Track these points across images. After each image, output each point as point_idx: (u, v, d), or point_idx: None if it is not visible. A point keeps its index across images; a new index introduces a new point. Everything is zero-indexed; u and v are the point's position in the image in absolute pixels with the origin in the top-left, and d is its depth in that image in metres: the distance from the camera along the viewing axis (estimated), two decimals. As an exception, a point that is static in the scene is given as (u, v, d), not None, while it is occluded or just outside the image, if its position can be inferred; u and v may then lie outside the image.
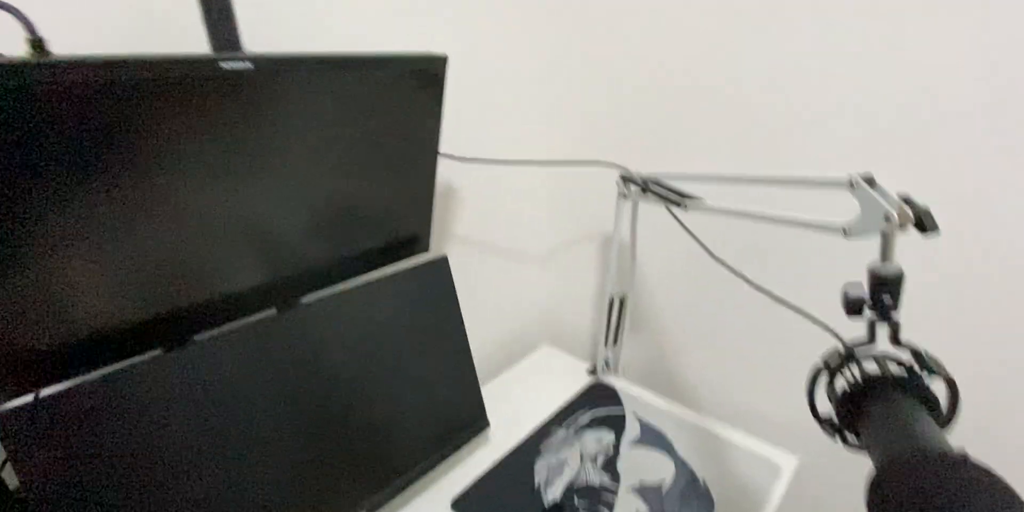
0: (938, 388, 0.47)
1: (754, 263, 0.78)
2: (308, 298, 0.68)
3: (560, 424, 1.00)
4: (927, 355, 0.48)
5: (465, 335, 0.86)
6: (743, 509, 0.81)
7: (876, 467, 0.39)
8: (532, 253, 1.23)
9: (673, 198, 0.72)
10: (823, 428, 0.53)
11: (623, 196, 0.85)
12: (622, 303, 1.01)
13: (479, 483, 0.87)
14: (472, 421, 0.89)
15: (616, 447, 0.95)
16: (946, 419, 0.47)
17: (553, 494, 0.85)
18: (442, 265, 0.80)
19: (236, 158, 0.52)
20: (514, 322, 1.26)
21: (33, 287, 0.45)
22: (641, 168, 0.83)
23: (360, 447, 0.73)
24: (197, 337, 0.60)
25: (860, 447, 0.50)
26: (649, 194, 0.77)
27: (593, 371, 1.13)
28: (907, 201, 0.47)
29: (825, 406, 0.54)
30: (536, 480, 0.88)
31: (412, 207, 0.75)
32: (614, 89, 0.97)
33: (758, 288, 0.67)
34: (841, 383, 0.51)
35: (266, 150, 0.54)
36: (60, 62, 0.38)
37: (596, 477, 0.88)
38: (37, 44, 0.40)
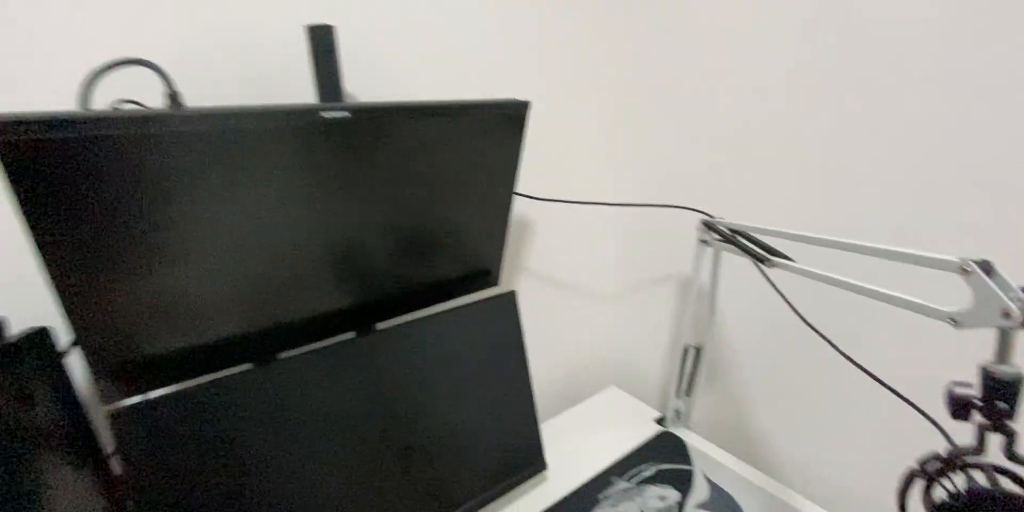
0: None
1: (845, 330, 0.71)
2: (383, 324, 0.72)
3: (621, 475, 0.95)
4: None
5: (528, 372, 0.85)
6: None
7: None
8: (604, 293, 1.22)
9: (758, 253, 0.69)
10: None
11: (704, 243, 0.82)
12: (698, 353, 0.96)
13: (532, 526, 0.85)
14: (529, 462, 0.88)
15: (680, 507, 0.88)
16: None
17: (607, 549, 0.81)
18: (510, 299, 0.82)
19: (334, 194, 0.58)
20: (581, 360, 1.24)
21: (155, 301, 0.53)
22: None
23: (417, 476, 0.74)
24: (282, 355, 0.65)
25: None
26: (731, 245, 0.74)
27: (661, 421, 1.07)
28: None
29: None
30: (591, 531, 0.84)
31: (486, 242, 0.77)
32: (695, 138, 0.95)
33: (856, 364, 0.61)
34: (941, 493, 0.45)
35: (359, 187, 0.59)
36: (193, 113, 0.45)
37: (655, 537, 0.83)
38: (173, 97, 0.47)
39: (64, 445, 0.57)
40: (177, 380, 0.59)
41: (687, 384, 1.00)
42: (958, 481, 0.44)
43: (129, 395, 0.56)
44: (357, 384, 0.68)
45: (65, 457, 0.57)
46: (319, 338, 0.68)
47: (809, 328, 0.74)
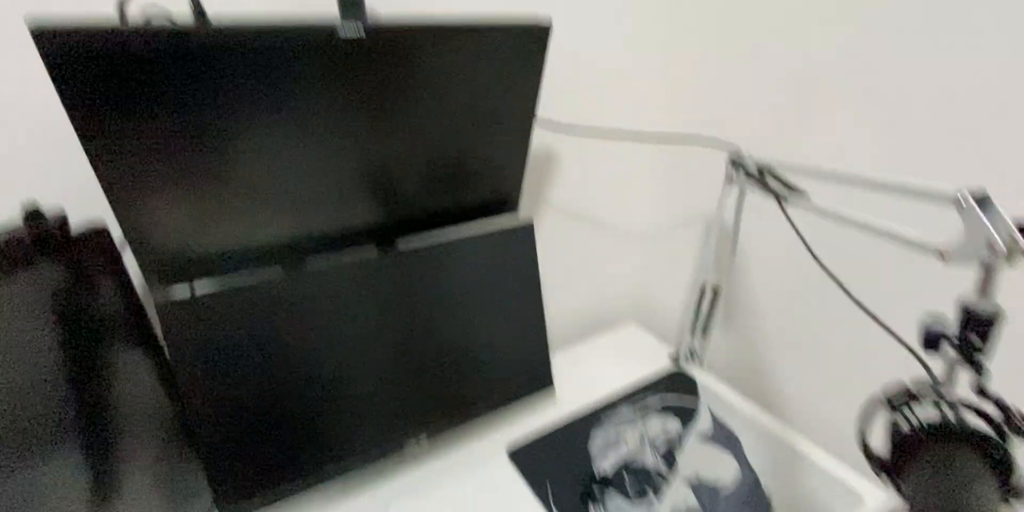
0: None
1: (861, 272, 0.69)
2: (404, 246, 0.77)
3: (628, 402, 1.00)
4: (1018, 412, 0.41)
5: (540, 298, 0.89)
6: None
7: None
8: (630, 228, 1.21)
9: (777, 189, 0.67)
10: (871, 466, 0.48)
11: (730, 180, 0.80)
12: (715, 293, 0.96)
13: (538, 440, 0.93)
14: (536, 378, 0.94)
15: (681, 437, 0.93)
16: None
17: (604, 465, 0.87)
18: (527, 231, 0.84)
19: (356, 112, 0.61)
20: (602, 295, 1.26)
21: (196, 207, 0.59)
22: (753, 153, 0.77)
23: (431, 380, 0.81)
24: (310, 266, 0.71)
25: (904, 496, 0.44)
26: (754, 181, 0.72)
27: (675, 359, 1.10)
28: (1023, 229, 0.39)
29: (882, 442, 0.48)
30: (591, 449, 0.91)
31: (506, 167, 0.79)
32: (740, 65, 0.90)
33: (852, 298, 0.60)
34: (904, 423, 0.45)
35: (379, 106, 0.62)
36: (214, 28, 0.48)
37: (652, 460, 0.88)
38: (198, 11, 0.50)
39: (125, 334, 0.67)
40: (214, 275, 0.66)
41: (703, 324, 1.01)
42: (923, 413, 0.44)
43: (175, 291, 0.64)
44: (378, 297, 0.74)
45: (126, 345, 0.67)
46: (342, 247, 0.74)
47: (825, 273, 0.72)
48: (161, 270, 0.63)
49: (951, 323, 0.42)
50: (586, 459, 0.88)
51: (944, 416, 0.43)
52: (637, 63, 1.02)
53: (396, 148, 0.67)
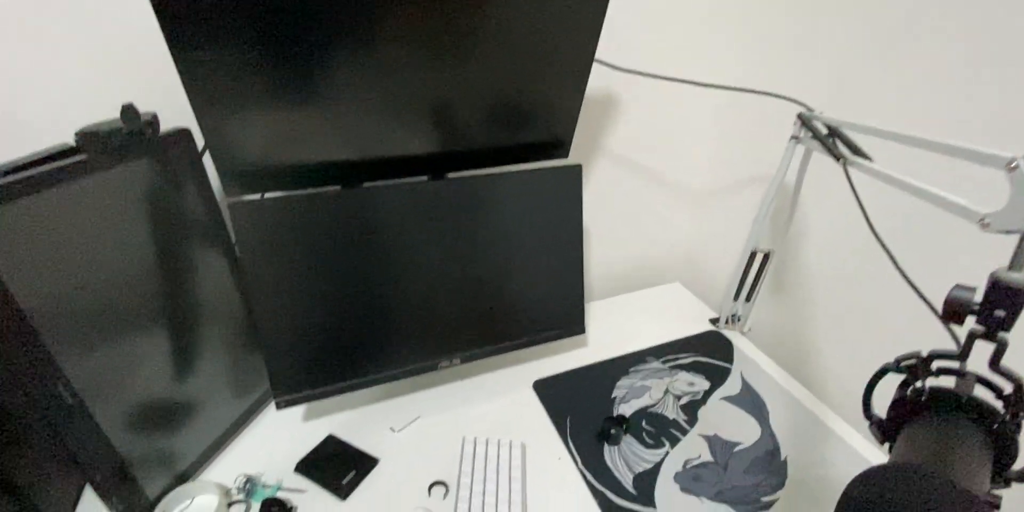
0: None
1: (919, 245, 0.65)
2: (454, 175, 0.81)
3: (658, 357, 1.02)
4: None
5: (581, 244, 0.91)
6: (817, 498, 0.76)
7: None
8: (686, 185, 1.18)
9: (836, 150, 0.63)
10: (871, 430, 0.47)
11: (795, 139, 0.76)
12: (765, 259, 0.94)
13: (563, 376, 0.97)
14: (569, 322, 0.97)
15: (707, 395, 0.94)
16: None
17: (624, 409, 0.90)
18: (575, 172, 0.85)
19: (425, 43, 0.62)
20: (650, 251, 1.26)
21: (271, 122, 0.64)
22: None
23: (470, 306, 0.87)
24: (367, 184, 0.77)
25: None
26: (820, 141, 0.68)
27: (715, 322, 1.09)
28: None
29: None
30: (614, 393, 0.94)
31: (560, 109, 0.79)
32: (820, 29, 0.83)
33: (896, 266, 0.57)
34: (911, 387, 0.44)
35: (443, 37, 0.63)
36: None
37: (672, 412, 0.91)
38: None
39: (204, 232, 0.75)
40: (281, 188, 0.73)
41: (749, 289, 1.00)
42: (932, 382, 0.43)
43: (249, 192, 0.71)
44: (427, 220, 0.79)
45: (205, 242, 0.76)
46: (398, 176, 0.79)
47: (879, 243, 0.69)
48: (236, 179, 0.70)
49: (978, 296, 0.40)
50: (608, 403, 0.92)
51: (958, 386, 0.42)
52: (713, 13, 0.96)
53: (455, 81, 0.69)
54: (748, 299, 1.01)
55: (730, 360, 1.01)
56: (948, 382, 0.43)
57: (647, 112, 1.02)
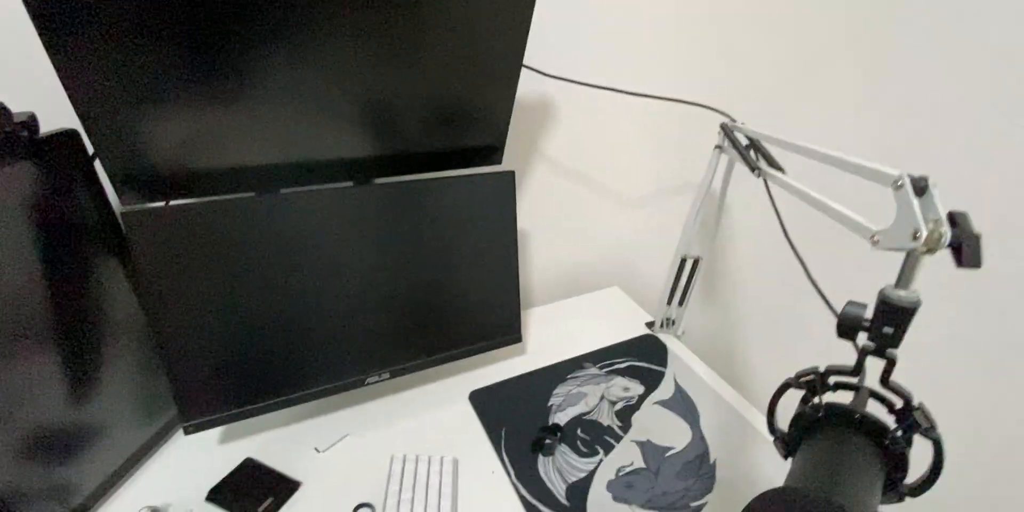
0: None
1: (832, 252, 0.68)
2: (382, 180, 0.77)
3: (595, 363, 1.02)
4: (921, 408, 0.40)
5: (516, 252, 0.89)
6: (744, 500, 0.77)
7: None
8: (621, 192, 1.19)
9: (752, 161, 0.64)
10: (775, 444, 0.48)
11: (719, 148, 0.77)
12: (695, 264, 0.95)
13: (499, 385, 0.95)
14: (505, 331, 0.95)
15: (641, 400, 0.95)
16: (916, 488, 0.40)
17: (560, 418, 0.90)
18: (508, 178, 0.83)
19: (346, 39, 0.59)
20: (588, 257, 1.26)
21: (169, 123, 0.59)
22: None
23: (399, 318, 0.83)
24: (284, 191, 0.72)
25: None
26: (739, 152, 0.69)
27: (651, 325, 1.11)
28: (955, 220, 0.37)
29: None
30: (551, 401, 0.93)
31: (492, 115, 0.77)
32: (751, 50, 0.85)
33: (808, 274, 0.59)
34: (808, 403, 0.45)
35: (369, 36, 0.60)
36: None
37: (607, 419, 0.91)
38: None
39: (98, 239, 0.69)
40: (188, 196, 0.67)
41: (681, 294, 1.01)
42: (830, 397, 0.44)
43: (152, 200, 0.65)
44: (351, 228, 0.75)
45: (102, 255, 0.70)
46: (319, 182, 0.74)
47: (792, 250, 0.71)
48: (133, 187, 0.64)
49: (869, 312, 0.41)
50: (544, 412, 0.91)
51: (853, 402, 0.42)
52: (650, 25, 0.96)
53: (383, 80, 0.65)
54: (681, 304, 1.03)
55: (664, 364, 1.02)
56: (847, 397, 0.43)
57: (582, 120, 1.02)
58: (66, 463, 0.67)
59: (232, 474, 0.76)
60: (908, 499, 0.40)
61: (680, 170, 1.08)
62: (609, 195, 1.18)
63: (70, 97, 0.52)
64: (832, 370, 0.44)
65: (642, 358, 1.03)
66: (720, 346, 1.08)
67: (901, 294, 0.39)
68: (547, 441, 0.83)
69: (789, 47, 0.81)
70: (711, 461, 0.84)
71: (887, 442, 0.39)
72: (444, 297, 0.86)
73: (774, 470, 0.81)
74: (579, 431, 0.88)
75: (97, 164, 0.66)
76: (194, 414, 0.72)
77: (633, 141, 1.11)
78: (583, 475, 0.80)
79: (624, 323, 1.12)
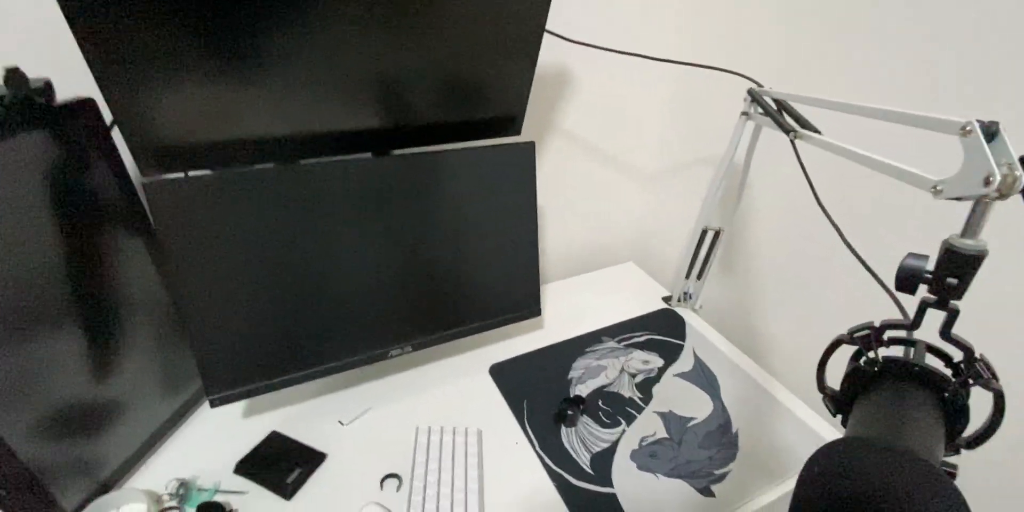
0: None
1: (867, 220, 0.67)
2: (400, 151, 0.76)
3: (613, 337, 1.02)
4: (982, 359, 0.39)
5: (535, 225, 0.88)
6: (767, 468, 0.78)
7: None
8: (641, 165, 1.18)
9: (785, 124, 0.63)
10: (824, 401, 0.48)
11: (745, 115, 0.76)
12: (716, 236, 0.94)
13: (519, 359, 0.95)
14: (525, 305, 0.94)
15: (661, 372, 0.95)
16: (975, 439, 0.39)
17: (581, 390, 0.90)
18: (527, 149, 0.82)
19: (365, 9, 0.57)
20: (607, 231, 1.25)
21: (191, 94, 0.57)
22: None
23: (421, 292, 0.83)
24: (304, 161, 0.71)
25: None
26: (770, 116, 0.68)
27: (668, 300, 1.10)
28: None
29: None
30: (571, 374, 0.93)
31: (512, 85, 0.75)
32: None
33: (843, 238, 0.58)
34: (863, 358, 0.45)
35: (389, 6, 0.58)
36: None
37: (628, 391, 0.91)
38: None
39: (118, 212, 0.68)
40: (207, 167, 0.66)
41: (700, 267, 1.00)
42: (884, 352, 0.44)
43: (172, 171, 0.64)
44: (371, 200, 0.74)
45: (121, 227, 0.69)
46: (338, 153, 0.73)
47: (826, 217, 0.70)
48: (152, 157, 0.63)
49: (930, 264, 0.40)
50: (565, 384, 0.91)
51: (905, 355, 0.42)
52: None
53: (401, 51, 0.64)
54: (699, 277, 1.02)
55: (682, 337, 1.02)
56: (900, 353, 0.43)
57: (601, 90, 1.00)
58: (93, 438, 0.67)
59: (259, 447, 0.76)
60: (965, 452, 0.39)
61: (698, 143, 1.07)
62: (626, 168, 1.16)
63: (89, 63, 0.51)
64: (888, 324, 0.43)
65: (660, 332, 1.03)
66: (738, 319, 1.08)
67: (969, 243, 0.38)
68: (569, 412, 0.83)
69: (812, 12, 0.79)
70: (733, 430, 0.84)
71: (947, 393, 0.38)
72: (465, 270, 0.85)
73: (796, 438, 0.82)
74: (600, 403, 0.88)
75: (115, 134, 0.64)
76: (220, 387, 0.72)
77: (651, 112, 1.09)
78: (606, 445, 0.81)
79: (641, 298, 1.12)
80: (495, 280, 0.89)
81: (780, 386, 0.91)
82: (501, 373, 0.92)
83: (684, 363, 0.97)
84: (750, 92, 0.74)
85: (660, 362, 0.97)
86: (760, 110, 0.72)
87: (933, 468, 0.27)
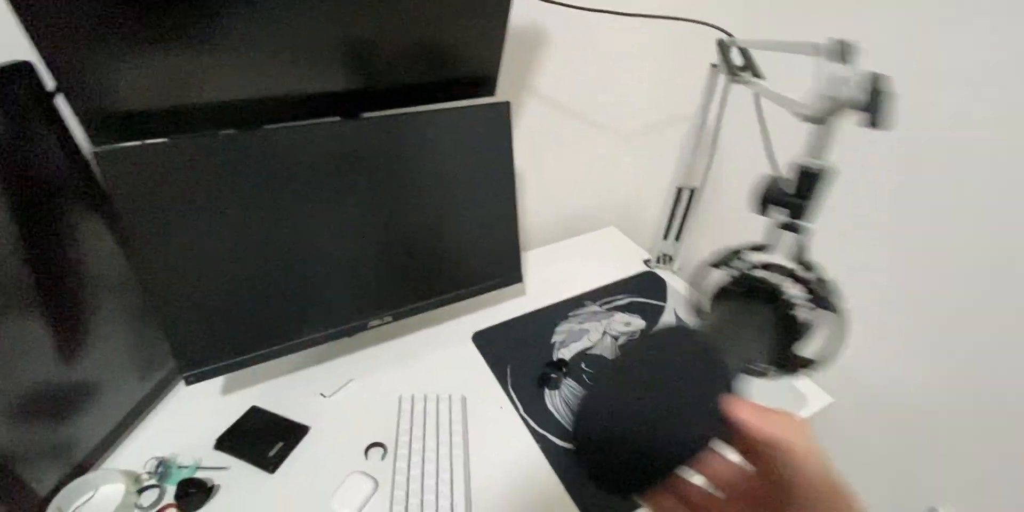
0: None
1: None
2: (370, 114, 0.73)
3: (596, 300, 1.01)
4: (827, 281, 0.40)
5: (514, 188, 0.86)
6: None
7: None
8: (621, 126, 1.15)
9: (733, 67, 0.62)
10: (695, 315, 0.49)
11: (714, 67, 0.74)
12: (692, 195, 0.94)
13: (501, 326, 0.95)
14: (506, 271, 0.93)
15: (643, 333, 0.95)
16: (816, 362, 0.41)
17: (564, 354, 0.90)
18: (502, 109, 0.79)
19: None
20: (585, 196, 1.24)
21: (139, 54, 0.53)
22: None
23: (398, 260, 0.81)
24: (268, 126, 0.67)
25: None
26: (732, 65, 0.66)
27: (648, 262, 1.10)
28: (872, 85, 0.35)
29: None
30: (553, 339, 0.93)
31: (483, 45, 0.72)
32: None
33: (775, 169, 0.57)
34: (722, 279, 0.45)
35: None
36: None
37: (610, 353, 0.91)
38: None
39: (69, 185, 0.64)
40: (165, 135, 0.63)
41: (677, 228, 1.00)
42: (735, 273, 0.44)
43: (117, 143, 0.60)
44: (342, 166, 0.71)
45: (71, 196, 0.65)
46: (304, 117, 0.69)
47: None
48: (103, 126, 0.59)
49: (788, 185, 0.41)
50: (548, 349, 0.91)
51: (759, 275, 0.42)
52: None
53: (364, 7, 0.60)
54: (677, 238, 1.02)
55: (663, 298, 1.02)
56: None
57: (577, 50, 0.97)
58: (63, 421, 0.65)
59: (239, 422, 0.75)
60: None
61: (677, 101, 1.05)
62: (604, 132, 1.14)
63: (25, 27, 0.47)
64: (746, 247, 0.44)
65: (641, 294, 1.03)
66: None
67: (816, 161, 0.39)
68: (553, 376, 0.83)
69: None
70: (715, 386, 0.85)
71: (785, 309, 0.39)
72: (442, 236, 0.83)
73: (774, 393, 0.83)
74: (583, 365, 0.88)
75: (60, 102, 0.60)
76: (194, 364, 0.70)
77: (628, 73, 1.07)
78: (590, 406, 0.81)
79: (622, 262, 1.12)
80: (475, 246, 0.87)
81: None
82: (484, 340, 0.92)
83: (666, 324, 0.97)
84: (719, 43, 0.72)
85: (642, 323, 0.97)
86: (727, 62, 0.70)
87: (717, 356, 0.28)
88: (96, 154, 0.57)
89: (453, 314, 0.96)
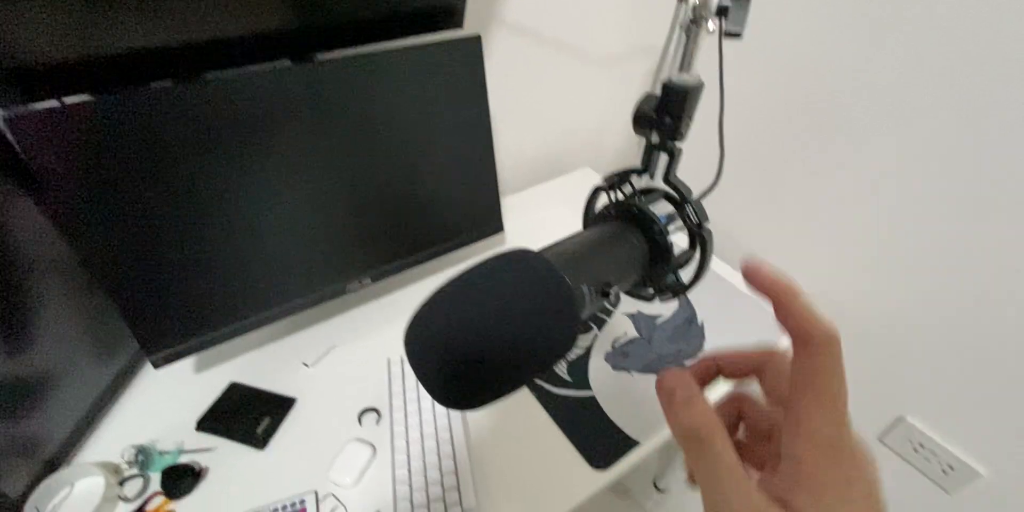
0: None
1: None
2: (325, 56, 0.64)
3: (575, 246, 0.99)
4: (695, 204, 0.40)
5: (490, 132, 0.80)
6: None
7: None
8: (592, 61, 1.08)
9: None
10: None
11: (682, 2, 0.68)
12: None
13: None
14: (486, 222, 0.89)
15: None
16: (684, 285, 0.41)
17: (548, 303, 0.88)
18: (473, 44, 0.71)
19: None
20: (561, 134, 1.18)
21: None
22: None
23: (372, 218, 0.75)
24: (209, 75, 0.58)
25: None
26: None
27: (625, 202, 1.08)
28: None
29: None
30: (536, 289, 0.91)
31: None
32: None
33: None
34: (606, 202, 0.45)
35: None
36: None
37: (595, 297, 0.90)
38: None
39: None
40: (87, 92, 0.53)
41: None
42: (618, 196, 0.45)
43: (30, 104, 0.51)
44: (297, 116, 0.63)
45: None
46: (249, 63, 0.61)
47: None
48: (8, 83, 0.49)
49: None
50: (532, 298, 0.89)
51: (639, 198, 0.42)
52: None
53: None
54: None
55: (643, 239, 1.01)
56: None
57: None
58: (24, 416, 0.60)
59: (219, 400, 0.71)
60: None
61: (646, 35, 0.98)
62: (579, 64, 1.07)
63: None
64: (632, 170, 0.44)
65: (620, 236, 1.01)
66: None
67: (684, 77, 0.38)
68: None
69: None
70: (699, 322, 0.86)
71: (654, 233, 0.39)
72: (416, 188, 0.77)
73: (757, 326, 0.84)
74: (570, 312, 0.87)
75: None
76: (159, 345, 0.65)
77: (599, 5, 0.98)
78: (581, 352, 0.81)
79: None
80: (451, 197, 0.82)
81: (738, 276, 0.92)
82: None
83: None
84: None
85: (624, 266, 0.96)
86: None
87: (559, 276, 0.27)
88: (5, 119, 0.48)
89: (435, 270, 0.92)
